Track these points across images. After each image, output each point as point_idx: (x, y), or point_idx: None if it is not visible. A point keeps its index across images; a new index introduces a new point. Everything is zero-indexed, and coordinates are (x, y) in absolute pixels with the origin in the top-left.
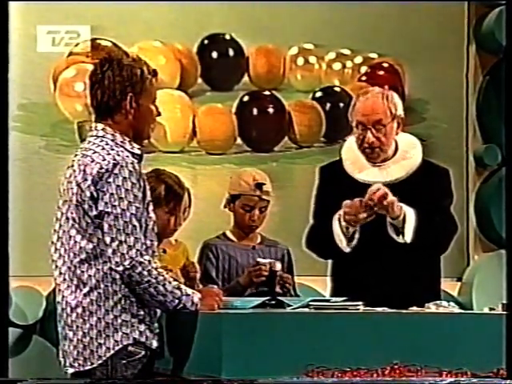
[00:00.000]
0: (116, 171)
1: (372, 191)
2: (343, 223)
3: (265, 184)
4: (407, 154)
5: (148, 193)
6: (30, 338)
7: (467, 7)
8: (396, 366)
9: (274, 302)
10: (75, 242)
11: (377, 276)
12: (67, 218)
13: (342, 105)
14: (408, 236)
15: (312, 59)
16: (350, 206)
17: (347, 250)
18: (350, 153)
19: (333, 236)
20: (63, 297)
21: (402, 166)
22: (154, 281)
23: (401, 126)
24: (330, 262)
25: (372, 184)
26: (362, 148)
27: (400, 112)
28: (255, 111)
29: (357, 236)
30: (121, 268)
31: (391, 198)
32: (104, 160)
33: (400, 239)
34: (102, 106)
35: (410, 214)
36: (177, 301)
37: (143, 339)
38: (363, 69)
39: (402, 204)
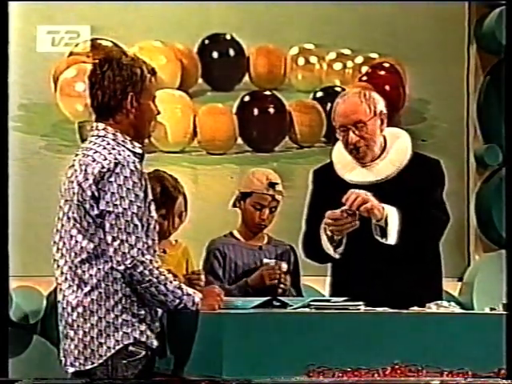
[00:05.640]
0: (117, 170)
1: (350, 200)
2: (328, 233)
3: (278, 184)
4: (396, 150)
5: (149, 192)
6: (30, 337)
7: (468, 7)
8: (397, 366)
9: (275, 303)
10: (76, 241)
11: (375, 276)
12: (68, 218)
13: None
14: (391, 238)
15: (313, 59)
16: (332, 217)
17: (336, 256)
18: (340, 155)
19: None
20: (64, 296)
21: (391, 163)
22: (155, 280)
23: (385, 123)
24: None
25: (361, 184)
26: (349, 149)
27: (381, 109)
28: (256, 111)
29: (344, 242)
30: (122, 267)
31: (370, 203)
32: (105, 159)
33: (384, 241)
34: (102, 106)
35: (392, 216)
36: (178, 300)
37: (144, 339)
38: (364, 69)
39: (385, 205)
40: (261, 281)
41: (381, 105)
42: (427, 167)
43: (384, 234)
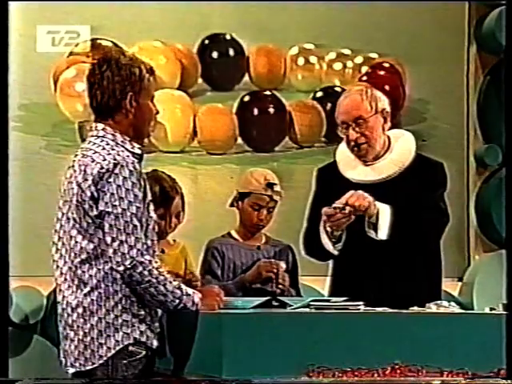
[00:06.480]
0: (116, 171)
1: (351, 200)
2: (328, 229)
3: (276, 184)
4: (399, 150)
5: (148, 192)
6: (30, 337)
7: (468, 7)
8: (397, 366)
9: (275, 303)
10: (76, 242)
11: (375, 276)
12: (68, 219)
13: None
14: (382, 233)
15: (312, 59)
16: (325, 213)
17: (335, 252)
18: (344, 154)
19: None
20: (64, 297)
21: (393, 163)
22: (154, 281)
23: (388, 121)
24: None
25: (363, 183)
26: (350, 147)
27: (383, 107)
28: (256, 111)
29: (343, 238)
30: (122, 268)
31: (367, 200)
32: (104, 160)
33: (374, 236)
34: (101, 106)
35: (383, 212)
36: (177, 300)
37: (144, 339)
38: (364, 69)
39: (377, 202)
40: (257, 274)
41: (383, 103)
42: (430, 169)
43: (375, 228)
